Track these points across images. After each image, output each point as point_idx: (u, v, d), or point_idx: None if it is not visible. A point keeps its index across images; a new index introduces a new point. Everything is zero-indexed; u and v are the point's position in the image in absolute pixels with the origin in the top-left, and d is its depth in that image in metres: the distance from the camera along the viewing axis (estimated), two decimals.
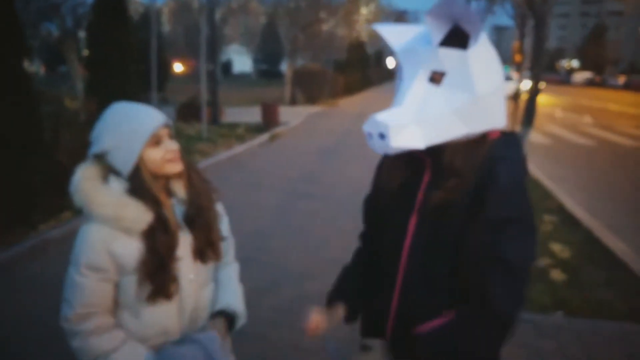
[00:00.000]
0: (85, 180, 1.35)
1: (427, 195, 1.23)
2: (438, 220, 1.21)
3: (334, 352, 1.36)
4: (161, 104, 13.29)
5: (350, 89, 29.34)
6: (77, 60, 14.74)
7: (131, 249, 1.35)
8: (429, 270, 1.23)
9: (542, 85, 7.57)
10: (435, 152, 1.20)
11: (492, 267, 1.13)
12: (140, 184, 1.36)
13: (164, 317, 1.43)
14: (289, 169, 8.42)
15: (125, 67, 7.43)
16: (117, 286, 1.39)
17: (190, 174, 1.48)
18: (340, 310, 1.42)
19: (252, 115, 14.53)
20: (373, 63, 42.76)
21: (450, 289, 1.21)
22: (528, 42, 12.70)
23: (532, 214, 1.19)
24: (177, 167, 1.41)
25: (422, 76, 1.17)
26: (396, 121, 1.12)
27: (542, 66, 6.97)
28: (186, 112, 12.97)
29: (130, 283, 1.38)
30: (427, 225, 1.23)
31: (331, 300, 1.46)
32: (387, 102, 1.23)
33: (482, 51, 1.16)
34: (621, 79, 48.76)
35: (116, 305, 1.41)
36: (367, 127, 1.16)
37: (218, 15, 20.98)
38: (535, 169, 7.76)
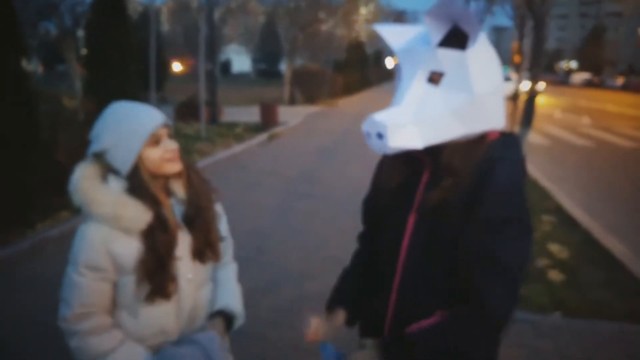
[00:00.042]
0: (84, 180, 1.35)
1: (425, 195, 1.23)
2: (436, 219, 1.21)
3: (330, 355, 1.35)
4: (160, 103, 13.29)
5: (350, 89, 29.31)
6: (75, 59, 14.72)
7: (130, 249, 1.35)
8: (427, 270, 1.23)
9: (542, 85, 7.60)
10: (434, 152, 1.20)
11: (488, 267, 1.13)
12: (139, 184, 1.36)
13: (162, 316, 1.43)
14: (288, 168, 8.41)
15: (124, 66, 7.41)
16: (115, 286, 1.39)
17: (190, 174, 1.48)
18: (340, 316, 1.41)
19: (251, 115, 14.50)
20: (372, 63, 42.70)
21: (449, 289, 1.21)
22: (527, 42, 12.69)
23: (529, 215, 1.19)
24: (176, 166, 1.41)
25: (421, 76, 1.17)
26: (394, 121, 1.12)
27: (541, 67, 6.99)
28: (185, 112, 12.93)
29: (129, 283, 1.37)
30: (426, 224, 1.23)
31: (331, 305, 1.45)
32: (386, 102, 1.23)
33: (481, 52, 1.16)
34: (619, 80, 48.81)
35: (114, 305, 1.41)
36: (365, 127, 1.16)
37: (217, 14, 20.94)
38: (534, 169, 7.77)
